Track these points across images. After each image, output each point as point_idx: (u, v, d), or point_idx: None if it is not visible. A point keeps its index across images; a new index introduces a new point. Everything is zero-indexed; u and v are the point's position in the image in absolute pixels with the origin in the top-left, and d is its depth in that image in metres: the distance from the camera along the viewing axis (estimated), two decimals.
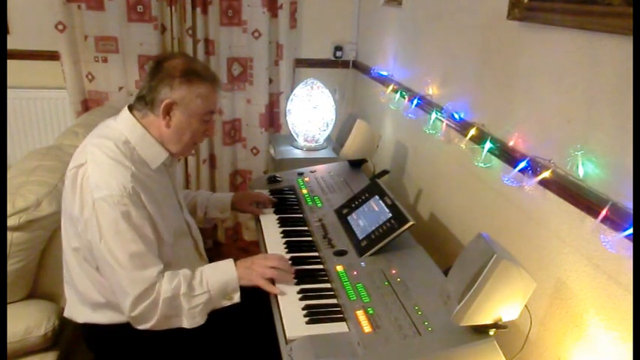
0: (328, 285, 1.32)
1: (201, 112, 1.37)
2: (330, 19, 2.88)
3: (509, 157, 1.36)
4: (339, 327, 1.16)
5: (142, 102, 1.36)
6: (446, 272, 1.26)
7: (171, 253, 1.39)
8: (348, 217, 1.61)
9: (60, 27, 2.51)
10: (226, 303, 1.34)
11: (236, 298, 1.34)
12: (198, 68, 1.37)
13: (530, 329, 1.17)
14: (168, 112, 1.34)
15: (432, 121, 1.85)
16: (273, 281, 1.33)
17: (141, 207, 1.29)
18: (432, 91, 1.89)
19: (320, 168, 2.09)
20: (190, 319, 1.30)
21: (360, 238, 1.50)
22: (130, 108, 1.39)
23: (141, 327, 1.30)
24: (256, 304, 1.39)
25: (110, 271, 1.27)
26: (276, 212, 1.73)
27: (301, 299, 1.26)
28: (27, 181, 1.65)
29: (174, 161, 1.50)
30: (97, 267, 1.32)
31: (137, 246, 1.26)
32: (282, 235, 1.58)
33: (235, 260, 1.39)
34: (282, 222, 1.66)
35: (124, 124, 1.36)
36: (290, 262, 1.41)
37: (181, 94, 1.32)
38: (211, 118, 1.43)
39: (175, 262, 1.38)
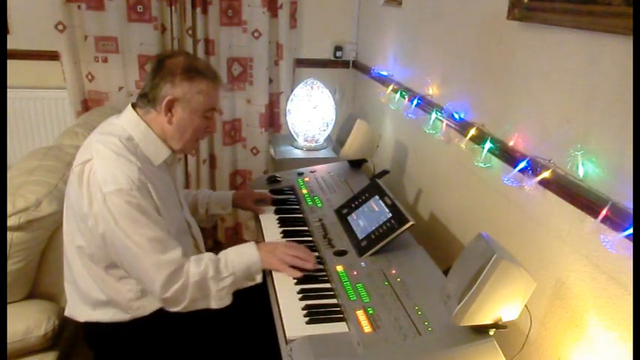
0: (328, 285, 1.32)
1: (203, 108, 1.38)
2: (330, 19, 2.88)
3: (509, 157, 1.37)
4: (339, 327, 1.16)
5: (145, 99, 1.38)
6: (446, 272, 1.26)
7: None
8: (348, 217, 1.61)
9: (60, 27, 2.51)
10: (249, 283, 1.39)
11: (258, 278, 1.39)
12: (200, 65, 1.39)
13: (530, 329, 1.17)
14: (169, 108, 1.35)
15: (432, 121, 1.85)
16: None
17: (149, 199, 1.30)
18: (432, 91, 1.89)
19: (320, 168, 2.09)
20: (218, 300, 1.35)
21: (360, 238, 1.50)
22: (134, 106, 1.40)
23: (172, 309, 1.33)
24: (256, 304, 1.39)
25: (133, 259, 1.28)
26: (276, 212, 1.73)
27: (301, 299, 1.26)
28: (27, 181, 1.65)
29: (175, 160, 1.51)
30: (105, 266, 1.33)
31: (154, 232, 1.28)
32: (282, 235, 1.58)
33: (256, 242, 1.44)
34: (282, 222, 1.66)
35: (127, 121, 1.38)
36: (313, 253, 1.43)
37: (182, 90, 1.34)
38: (212, 115, 1.44)
39: None
